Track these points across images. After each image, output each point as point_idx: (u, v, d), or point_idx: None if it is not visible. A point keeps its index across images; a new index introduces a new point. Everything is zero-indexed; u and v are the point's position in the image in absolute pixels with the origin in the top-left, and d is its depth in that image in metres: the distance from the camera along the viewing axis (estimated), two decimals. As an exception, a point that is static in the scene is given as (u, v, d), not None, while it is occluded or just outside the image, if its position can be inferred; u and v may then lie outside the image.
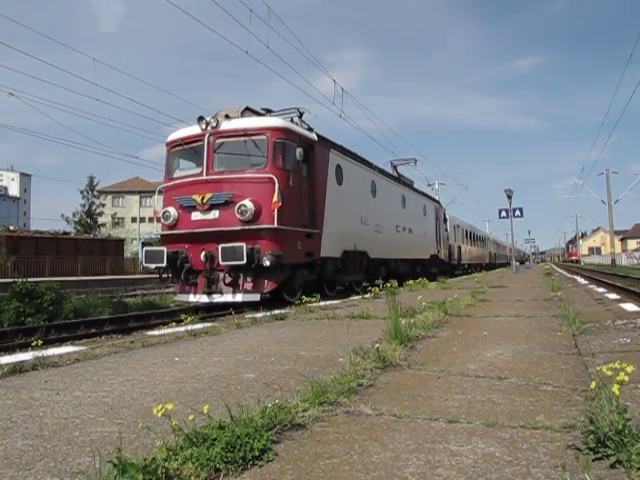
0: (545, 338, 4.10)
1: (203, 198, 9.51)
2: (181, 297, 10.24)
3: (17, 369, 3.34)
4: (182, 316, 6.22)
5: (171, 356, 3.81)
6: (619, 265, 43.97)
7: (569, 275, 22.39)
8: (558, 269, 35.66)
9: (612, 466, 1.54)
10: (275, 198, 9.14)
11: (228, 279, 9.31)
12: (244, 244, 8.60)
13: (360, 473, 1.58)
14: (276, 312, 6.70)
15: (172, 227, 10.00)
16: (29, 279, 11.56)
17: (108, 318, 10.26)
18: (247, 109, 10.54)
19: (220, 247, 8.75)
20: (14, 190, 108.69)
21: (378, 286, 12.24)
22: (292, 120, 11.19)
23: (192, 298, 9.76)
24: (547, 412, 2.13)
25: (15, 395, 2.72)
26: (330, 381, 2.52)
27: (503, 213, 28.94)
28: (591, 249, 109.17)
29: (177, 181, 10.30)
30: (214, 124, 9.84)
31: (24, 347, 5.41)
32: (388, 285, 10.64)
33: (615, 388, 1.67)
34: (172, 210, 9.96)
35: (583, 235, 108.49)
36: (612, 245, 44.87)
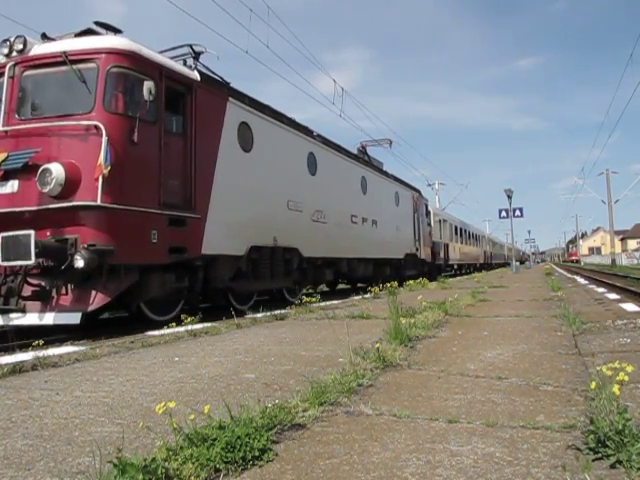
0: (545, 338, 4.10)
1: None
2: None
3: (17, 369, 3.34)
4: (182, 316, 6.22)
5: (171, 356, 3.81)
6: (619, 265, 43.97)
7: (569, 275, 22.40)
8: (558, 269, 35.68)
9: (612, 466, 1.54)
10: (101, 159, 5.86)
11: (28, 290, 6.02)
12: (32, 232, 5.65)
13: (360, 473, 1.58)
14: (276, 312, 6.71)
15: None
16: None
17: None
18: (89, 31, 6.98)
19: (0, 237, 5.88)
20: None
21: (378, 287, 11.68)
22: (185, 63, 7.89)
23: None
24: (547, 412, 2.13)
25: (15, 395, 2.72)
26: (330, 381, 2.52)
27: (503, 213, 28.98)
28: (591, 249, 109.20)
29: None
30: (20, 47, 6.55)
31: (24, 347, 5.40)
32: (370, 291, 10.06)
33: (615, 388, 1.67)
34: None
35: (583, 235, 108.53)
36: (612, 245, 44.87)
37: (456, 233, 30.30)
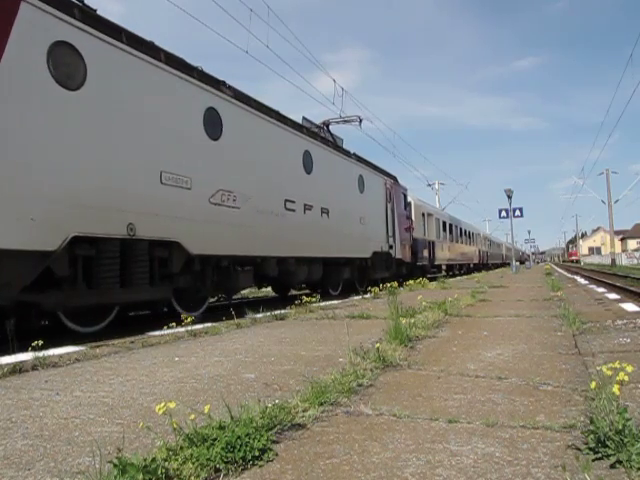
0: (545, 338, 4.10)
1: None
2: None
3: (17, 369, 3.34)
4: (182, 316, 6.21)
5: (171, 356, 3.81)
6: (619, 265, 43.98)
7: (569, 275, 22.41)
8: (558, 269, 35.69)
9: (612, 466, 1.54)
10: None
11: None
12: None
13: (360, 473, 1.58)
14: (276, 312, 6.71)
15: None
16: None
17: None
18: None
19: None
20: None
21: (378, 286, 11.42)
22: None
23: None
24: (547, 412, 2.13)
25: (15, 395, 2.72)
26: (330, 381, 2.52)
27: (503, 213, 28.98)
28: (591, 249, 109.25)
29: None
30: None
31: (24, 347, 5.38)
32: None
33: (615, 388, 1.67)
34: None
35: (583, 235, 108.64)
36: (612, 245, 44.87)
37: (445, 229, 26.62)
